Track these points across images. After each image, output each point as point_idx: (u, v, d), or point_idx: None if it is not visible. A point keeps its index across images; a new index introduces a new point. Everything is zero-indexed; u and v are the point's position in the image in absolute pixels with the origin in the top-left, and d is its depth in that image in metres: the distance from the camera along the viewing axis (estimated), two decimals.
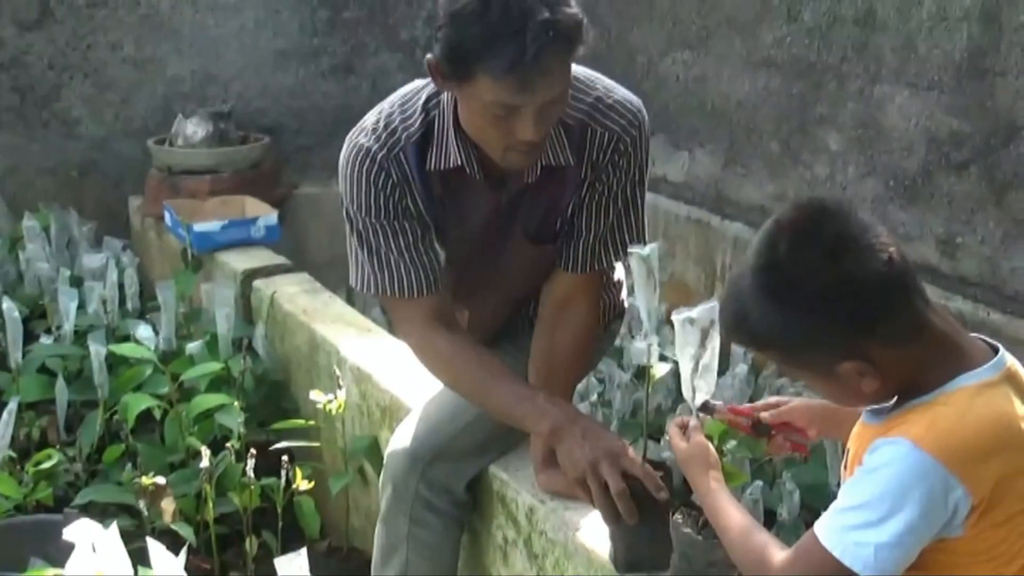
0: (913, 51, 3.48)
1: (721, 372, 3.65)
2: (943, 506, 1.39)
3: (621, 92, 2.17)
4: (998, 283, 3.29)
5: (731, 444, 1.78)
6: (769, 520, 2.84)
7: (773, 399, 1.87)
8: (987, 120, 3.27)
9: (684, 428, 1.77)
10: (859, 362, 1.43)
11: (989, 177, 3.29)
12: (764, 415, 1.82)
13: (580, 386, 3.27)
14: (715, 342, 1.76)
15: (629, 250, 1.93)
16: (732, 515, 1.63)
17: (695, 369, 1.76)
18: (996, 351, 1.50)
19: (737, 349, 3.82)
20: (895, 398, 1.49)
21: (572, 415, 2.07)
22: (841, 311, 1.41)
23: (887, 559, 1.40)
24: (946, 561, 1.44)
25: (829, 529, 1.45)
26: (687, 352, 1.75)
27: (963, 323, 2.38)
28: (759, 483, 2.93)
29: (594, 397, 3.60)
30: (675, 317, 1.73)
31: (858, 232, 1.43)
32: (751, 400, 3.55)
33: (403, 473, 2.32)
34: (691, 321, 1.73)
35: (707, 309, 1.72)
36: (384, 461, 2.39)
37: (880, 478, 1.41)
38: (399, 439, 2.37)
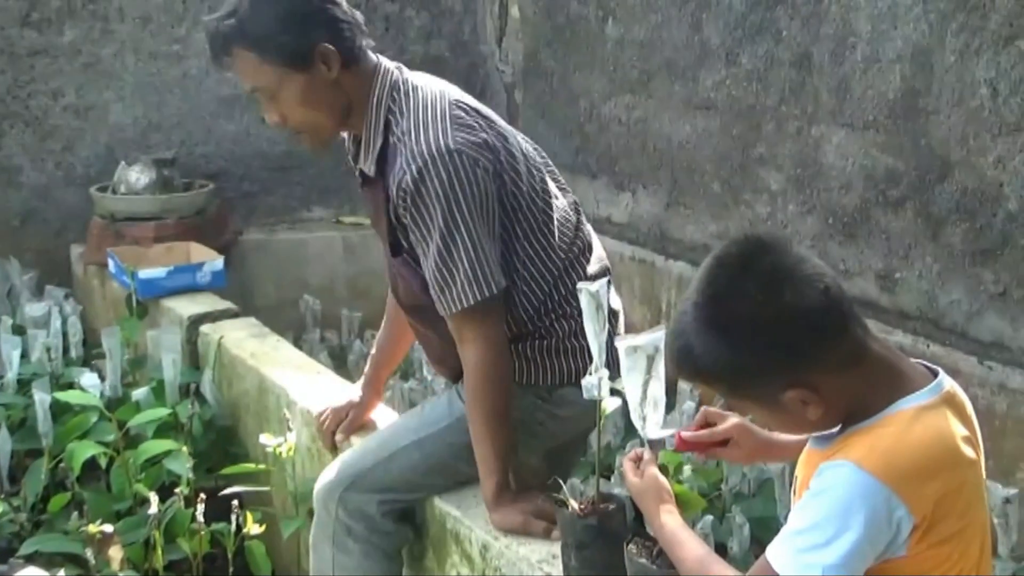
0: (848, 92, 3.57)
1: (668, 408, 3.70)
2: (886, 525, 1.42)
3: (426, 141, 2.21)
4: (936, 316, 3.36)
5: (687, 474, 1.80)
6: (720, 553, 2.85)
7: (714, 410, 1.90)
8: (921, 157, 3.36)
9: (638, 461, 1.79)
10: (802, 390, 1.46)
11: (925, 213, 3.37)
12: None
13: None
14: (660, 369, 1.79)
15: (578, 287, 1.96)
16: (688, 546, 1.65)
17: (643, 397, 1.79)
18: (936, 375, 1.54)
19: (684, 386, 3.86)
20: (840, 424, 1.53)
21: None
22: (781, 341, 1.45)
23: None
24: None
25: (779, 553, 1.48)
26: (633, 379, 1.78)
27: None
28: (709, 517, 2.95)
29: None
30: (619, 344, 1.76)
31: (794, 264, 1.47)
32: None
33: (323, 497, 2.37)
34: (635, 348, 1.76)
35: (652, 337, 1.75)
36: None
37: (825, 501, 1.44)
38: (327, 467, 2.43)
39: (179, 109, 5.09)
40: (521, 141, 2.41)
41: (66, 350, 3.89)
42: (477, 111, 2.31)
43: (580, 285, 1.95)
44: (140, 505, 2.98)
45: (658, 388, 1.80)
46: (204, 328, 3.71)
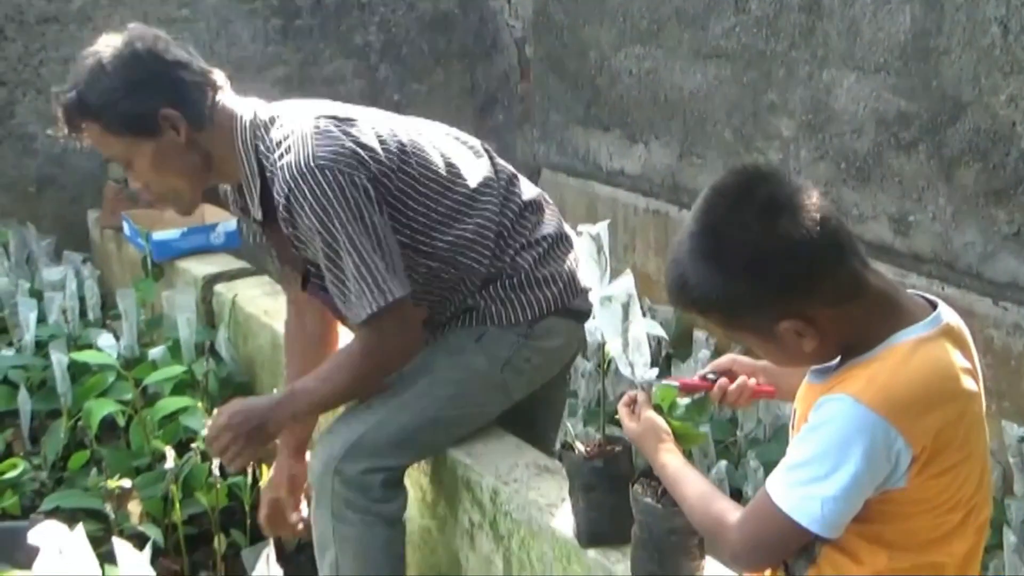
0: (858, 35, 3.54)
1: (684, 358, 3.72)
2: (885, 458, 1.42)
3: (289, 165, 2.19)
4: (951, 258, 3.34)
5: (681, 410, 1.80)
6: (735, 499, 2.87)
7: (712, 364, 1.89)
8: (933, 99, 3.33)
9: (632, 405, 1.79)
10: (797, 321, 1.45)
11: (938, 155, 3.34)
12: (708, 370, 1.84)
13: None
14: (637, 311, 1.79)
15: (579, 229, 1.96)
16: (690, 483, 1.66)
17: (625, 344, 1.79)
18: (935, 307, 1.53)
19: (700, 334, 3.86)
20: (838, 358, 1.53)
21: None
22: (776, 271, 1.44)
23: (833, 512, 1.43)
24: (891, 511, 1.47)
25: (778, 486, 1.48)
26: (611, 329, 1.77)
27: None
28: (724, 463, 2.97)
29: None
30: (595, 295, 1.76)
31: (791, 194, 1.46)
32: None
33: (319, 472, 2.33)
34: (609, 299, 1.76)
35: (623, 284, 1.75)
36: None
37: (824, 434, 1.44)
38: (318, 443, 2.40)
39: None
40: (411, 129, 2.38)
41: (83, 313, 3.93)
42: (349, 120, 2.28)
43: (581, 228, 1.94)
44: (158, 461, 3.00)
45: (639, 330, 1.80)
46: (218, 287, 3.73)
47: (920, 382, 1.44)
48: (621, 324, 1.76)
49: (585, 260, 1.98)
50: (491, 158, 2.49)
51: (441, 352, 2.39)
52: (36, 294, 3.98)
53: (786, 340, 1.48)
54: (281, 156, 2.22)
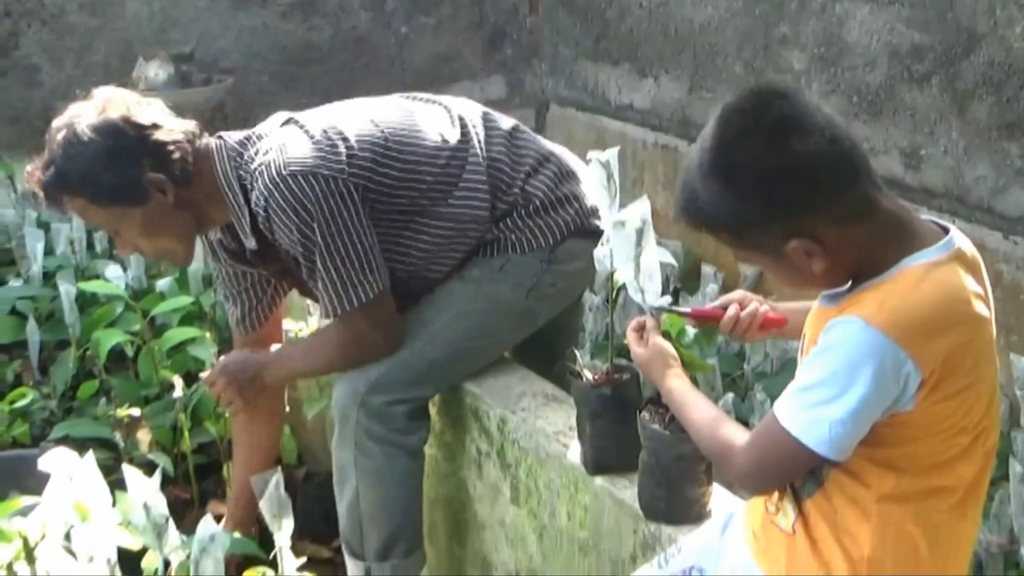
0: None
1: (692, 292, 3.71)
2: (894, 381, 1.42)
3: (271, 163, 2.21)
4: (962, 192, 3.32)
5: (689, 338, 1.80)
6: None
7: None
8: (947, 31, 3.29)
9: (641, 331, 1.78)
10: (806, 241, 1.44)
11: (951, 88, 3.30)
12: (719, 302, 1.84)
13: None
14: (651, 239, 1.78)
15: (588, 156, 1.95)
16: (697, 408, 1.65)
17: (637, 270, 1.78)
18: (947, 231, 1.52)
19: (708, 269, 3.86)
20: (849, 282, 1.52)
21: None
22: (786, 189, 1.43)
23: (841, 435, 1.43)
24: (898, 435, 1.46)
25: (786, 409, 1.48)
26: (624, 255, 1.76)
27: None
28: (731, 395, 2.98)
29: None
30: (608, 220, 1.75)
31: (804, 113, 1.45)
32: None
33: (343, 404, 2.35)
34: (622, 224, 1.75)
35: (638, 209, 1.74)
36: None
37: (833, 356, 1.43)
38: (342, 375, 2.41)
39: (196, 3, 5.04)
40: (380, 114, 2.36)
41: (90, 244, 3.92)
42: (319, 123, 2.28)
43: (591, 155, 1.93)
44: (166, 391, 3.02)
45: (651, 258, 1.79)
46: None
47: (930, 305, 1.43)
48: (634, 250, 1.75)
49: (595, 188, 1.97)
50: (448, 109, 2.45)
51: (465, 285, 2.38)
52: (43, 225, 3.97)
53: (795, 260, 1.46)
54: (257, 167, 2.24)
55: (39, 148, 4.71)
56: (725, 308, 1.80)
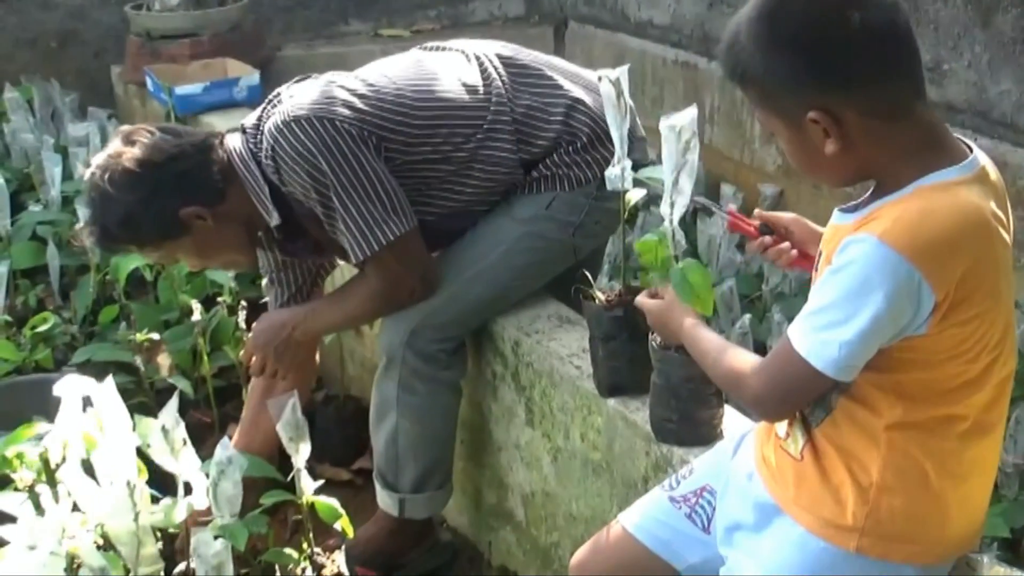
0: None
1: (710, 214, 3.68)
2: (908, 301, 1.39)
3: (278, 115, 2.21)
4: (985, 108, 3.26)
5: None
6: (760, 352, 2.87)
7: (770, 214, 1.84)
8: None
9: (654, 297, 1.79)
10: (827, 115, 1.40)
11: (975, 0, 3.23)
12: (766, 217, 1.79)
13: None
14: (695, 154, 1.75)
15: (598, 74, 1.92)
16: (710, 339, 1.65)
17: (675, 182, 1.76)
18: (972, 151, 1.48)
19: (728, 190, 3.83)
20: (854, 182, 1.48)
21: None
22: (828, 56, 1.39)
23: (848, 355, 1.41)
24: (910, 359, 1.44)
25: (799, 332, 1.46)
26: (669, 160, 1.74)
27: None
28: (748, 316, 2.97)
29: None
30: (662, 123, 1.72)
31: None
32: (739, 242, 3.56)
33: (390, 345, 2.35)
34: (674, 127, 1.72)
35: (689, 115, 1.72)
36: (378, 329, 2.43)
37: (845, 277, 1.41)
38: (387, 318, 2.41)
39: None
40: (393, 68, 2.35)
41: None
42: (329, 79, 2.28)
43: (600, 72, 1.90)
44: (186, 315, 3.03)
45: (688, 180, 1.77)
46: None
47: (947, 225, 1.39)
48: (680, 158, 1.73)
49: (606, 106, 1.95)
50: (464, 54, 2.41)
51: (514, 223, 2.36)
52: (61, 150, 3.98)
53: (811, 135, 1.42)
54: (268, 128, 2.24)
55: (57, 73, 4.74)
56: (764, 230, 1.77)
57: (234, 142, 2.31)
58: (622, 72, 1.90)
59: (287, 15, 5.15)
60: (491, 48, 2.43)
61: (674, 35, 4.44)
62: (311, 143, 2.17)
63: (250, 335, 2.49)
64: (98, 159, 2.29)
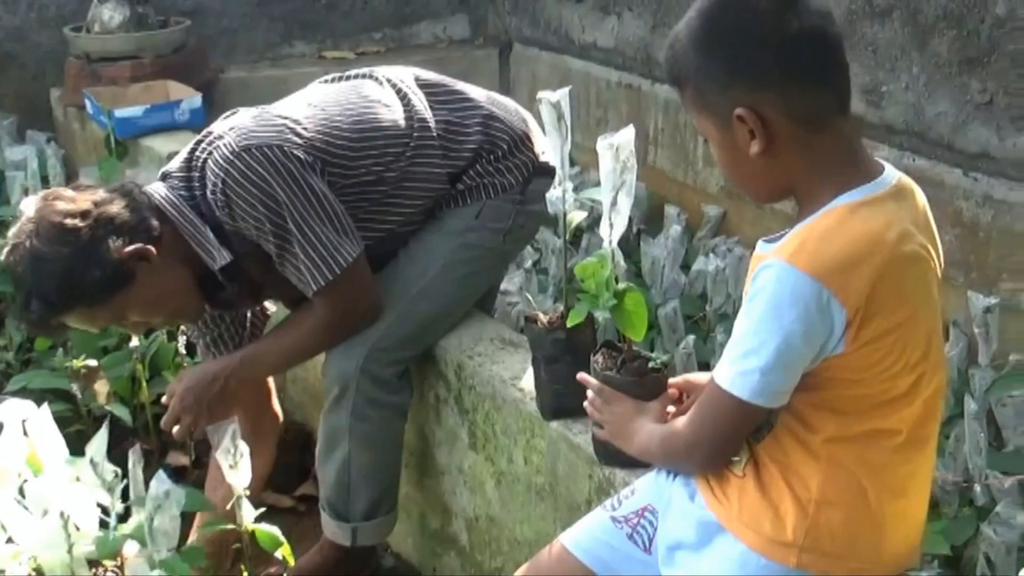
0: None
1: (654, 234, 3.70)
2: (819, 319, 1.40)
3: (221, 149, 2.17)
4: (923, 129, 3.30)
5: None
6: (704, 370, 2.89)
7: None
8: None
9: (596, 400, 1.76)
10: (754, 113, 1.42)
11: (912, 22, 3.28)
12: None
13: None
14: (632, 178, 1.76)
15: (538, 96, 1.92)
16: (652, 432, 1.65)
17: (613, 202, 1.76)
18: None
19: (671, 211, 3.85)
20: (775, 195, 1.51)
21: None
22: (761, 54, 1.41)
23: (772, 382, 1.43)
24: (834, 378, 1.46)
25: (721, 366, 1.48)
26: (609, 181, 1.75)
27: None
28: (692, 337, 2.98)
29: (528, 264, 3.62)
30: (599, 142, 1.73)
31: (815, 3, 1.44)
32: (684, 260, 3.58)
33: (342, 375, 2.32)
34: (612, 147, 1.73)
35: (627, 135, 1.73)
36: (324, 359, 2.39)
37: (758, 304, 1.43)
38: (336, 349, 2.37)
39: None
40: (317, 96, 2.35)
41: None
42: (262, 108, 2.28)
43: (540, 95, 1.91)
44: (124, 341, 2.99)
45: (627, 200, 1.78)
46: None
47: (851, 241, 1.41)
48: (619, 177, 1.73)
49: (547, 129, 1.95)
50: (376, 78, 2.42)
51: (446, 236, 2.36)
52: None
53: (737, 135, 1.45)
54: (205, 162, 2.19)
55: None
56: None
57: (157, 189, 2.24)
58: (562, 94, 1.90)
59: (230, 37, 5.12)
60: (396, 72, 2.44)
61: (618, 57, 4.47)
62: (264, 171, 2.14)
63: (172, 397, 2.29)
64: (15, 231, 2.15)
